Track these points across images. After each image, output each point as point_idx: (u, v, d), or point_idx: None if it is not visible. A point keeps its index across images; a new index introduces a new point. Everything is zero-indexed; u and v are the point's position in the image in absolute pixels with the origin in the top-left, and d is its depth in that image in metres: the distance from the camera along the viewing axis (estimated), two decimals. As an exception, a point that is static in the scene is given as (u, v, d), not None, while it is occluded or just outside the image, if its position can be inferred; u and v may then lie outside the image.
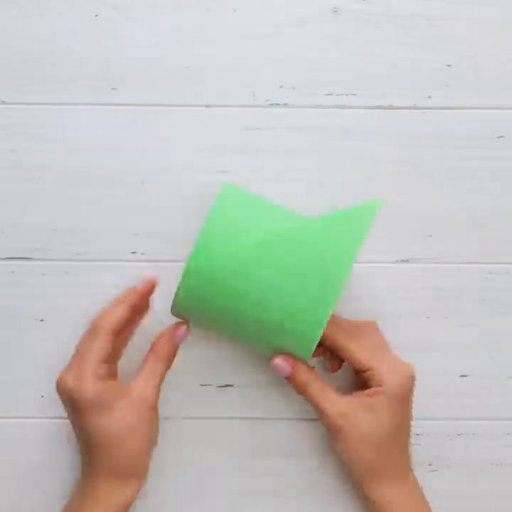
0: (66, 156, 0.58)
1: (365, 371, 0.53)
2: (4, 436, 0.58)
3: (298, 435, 0.59)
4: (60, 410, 0.58)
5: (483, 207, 0.58)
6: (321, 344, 0.53)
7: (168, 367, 0.54)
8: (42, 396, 0.58)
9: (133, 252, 0.58)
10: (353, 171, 0.58)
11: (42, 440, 0.59)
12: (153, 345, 0.54)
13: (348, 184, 0.58)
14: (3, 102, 0.57)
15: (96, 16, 0.57)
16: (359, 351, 0.54)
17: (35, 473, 0.59)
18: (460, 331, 0.59)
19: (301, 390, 0.54)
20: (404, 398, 0.53)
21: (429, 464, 0.59)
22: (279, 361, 0.53)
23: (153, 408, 0.53)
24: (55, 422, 0.58)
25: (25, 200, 0.58)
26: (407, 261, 0.58)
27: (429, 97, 0.58)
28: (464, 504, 0.59)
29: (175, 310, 0.53)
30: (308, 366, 0.54)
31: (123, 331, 0.54)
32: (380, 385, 0.53)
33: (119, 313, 0.53)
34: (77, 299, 0.58)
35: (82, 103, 0.57)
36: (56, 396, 0.57)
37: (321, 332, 0.49)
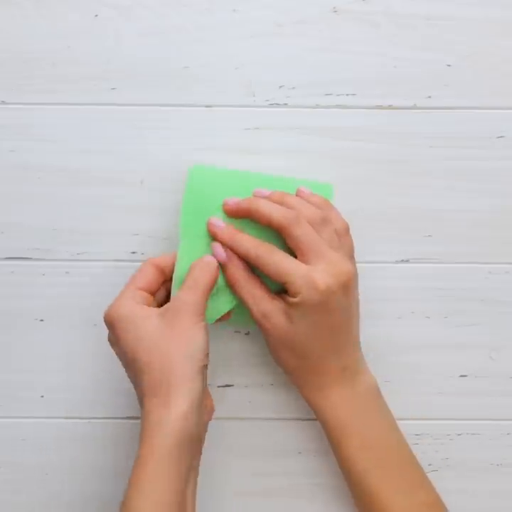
0: (66, 156, 0.58)
1: (284, 283, 0.52)
2: (4, 436, 0.58)
3: (298, 435, 0.59)
4: (60, 410, 0.58)
5: (483, 207, 0.58)
6: None
7: (210, 281, 0.52)
8: (42, 396, 0.58)
9: (133, 252, 0.58)
10: (353, 170, 0.58)
11: (42, 440, 0.59)
12: (190, 268, 0.53)
13: (348, 184, 0.58)
14: (3, 102, 0.57)
15: (96, 16, 0.57)
16: (293, 237, 0.51)
17: (35, 473, 0.59)
18: (460, 331, 0.59)
19: (231, 283, 0.53)
20: (323, 308, 0.51)
21: (429, 464, 0.59)
22: (218, 246, 0.53)
23: (195, 316, 0.50)
24: (56, 422, 0.58)
25: (25, 200, 0.58)
26: (407, 261, 0.58)
27: (429, 97, 0.58)
28: (463, 504, 0.59)
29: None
30: (244, 264, 0.53)
31: (164, 270, 0.54)
32: (294, 297, 0.51)
33: (166, 256, 0.54)
34: (77, 299, 0.58)
35: (82, 103, 0.57)
36: (56, 396, 0.58)
37: None
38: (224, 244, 0.53)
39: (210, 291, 0.52)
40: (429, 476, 0.56)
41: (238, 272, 0.53)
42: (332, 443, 0.55)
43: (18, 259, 0.58)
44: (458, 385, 0.59)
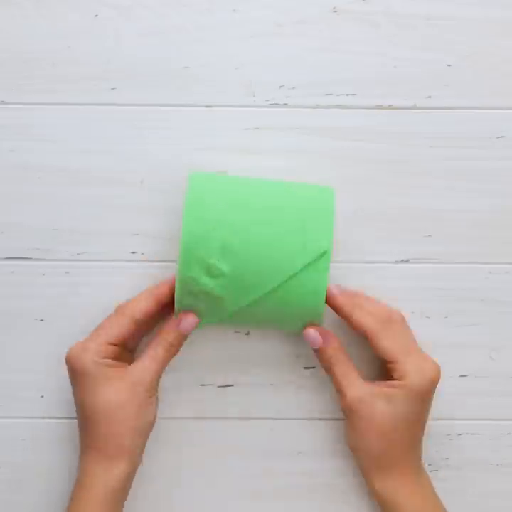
0: (66, 156, 0.58)
1: (390, 362, 0.54)
2: (4, 436, 0.58)
3: (298, 435, 0.59)
4: (60, 410, 0.58)
5: (483, 207, 0.58)
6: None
7: (172, 354, 0.54)
8: (42, 396, 0.58)
9: (133, 252, 0.58)
10: (353, 170, 0.58)
11: (42, 440, 0.59)
12: (158, 332, 0.55)
13: (348, 184, 0.58)
14: (3, 102, 0.57)
15: (96, 16, 0.57)
16: (387, 340, 0.54)
17: (35, 473, 0.59)
18: (460, 331, 0.59)
19: (326, 365, 0.55)
20: (423, 397, 0.54)
21: (429, 464, 0.59)
22: (312, 332, 0.54)
23: (149, 392, 0.53)
24: (55, 421, 0.58)
25: (25, 200, 0.58)
26: (407, 261, 0.58)
27: (429, 97, 0.58)
28: (464, 504, 0.59)
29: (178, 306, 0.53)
30: (339, 344, 0.54)
31: (144, 323, 0.55)
32: (401, 380, 0.53)
33: (145, 304, 0.54)
34: (77, 299, 0.58)
35: (82, 103, 0.57)
36: (56, 396, 0.58)
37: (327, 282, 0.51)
38: (339, 310, 0.54)
39: (169, 361, 0.54)
40: (429, 476, 0.56)
41: (336, 356, 0.54)
42: None
43: (18, 259, 0.58)
44: (458, 385, 0.59)
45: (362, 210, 0.58)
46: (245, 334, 0.59)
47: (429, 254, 0.58)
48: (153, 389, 0.54)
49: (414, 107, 0.58)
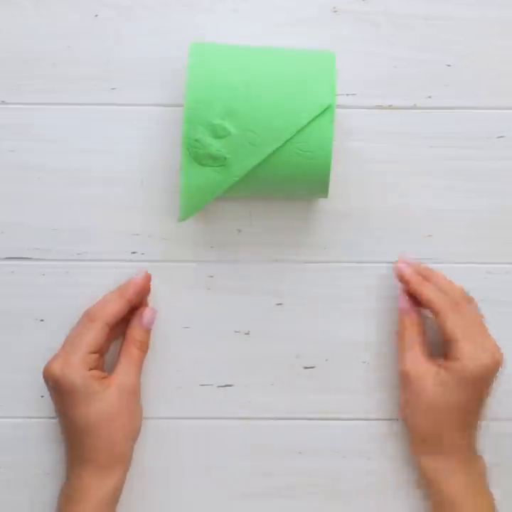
0: (66, 156, 0.58)
1: (450, 342, 0.54)
2: (4, 436, 0.58)
3: (298, 435, 0.59)
4: (60, 410, 0.58)
5: (482, 207, 0.58)
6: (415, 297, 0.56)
7: (143, 352, 0.55)
8: (42, 396, 0.58)
9: (133, 252, 0.58)
10: (353, 170, 0.58)
11: (42, 440, 0.59)
12: (126, 335, 0.55)
13: (348, 184, 0.58)
14: (3, 102, 0.57)
15: (96, 16, 0.57)
16: (453, 321, 0.54)
17: (35, 473, 0.59)
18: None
19: (400, 328, 0.56)
20: (477, 382, 0.53)
21: (429, 464, 0.59)
22: (403, 301, 0.56)
23: (134, 394, 0.54)
24: (55, 421, 0.58)
25: (25, 200, 0.58)
26: (407, 261, 0.58)
27: (429, 97, 0.58)
28: (463, 504, 0.59)
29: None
30: (420, 315, 0.56)
31: (117, 325, 0.55)
32: (456, 362, 0.53)
33: (116, 306, 0.54)
34: (77, 299, 0.58)
35: (82, 103, 0.57)
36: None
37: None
38: (409, 288, 0.56)
39: (143, 359, 0.56)
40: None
41: (412, 327, 0.56)
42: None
43: (18, 259, 0.58)
44: (458, 384, 0.59)
45: (362, 210, 0.58)
46: (245, 334, 0.59)
47: (428, 254, 0.58)
48: (137, 391, 0.54)
49: (414, 107, 0.58)
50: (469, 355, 0.53)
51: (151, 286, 0.57)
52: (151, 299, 0.58)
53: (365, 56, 0.57)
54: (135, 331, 0.55)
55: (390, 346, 0.58)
